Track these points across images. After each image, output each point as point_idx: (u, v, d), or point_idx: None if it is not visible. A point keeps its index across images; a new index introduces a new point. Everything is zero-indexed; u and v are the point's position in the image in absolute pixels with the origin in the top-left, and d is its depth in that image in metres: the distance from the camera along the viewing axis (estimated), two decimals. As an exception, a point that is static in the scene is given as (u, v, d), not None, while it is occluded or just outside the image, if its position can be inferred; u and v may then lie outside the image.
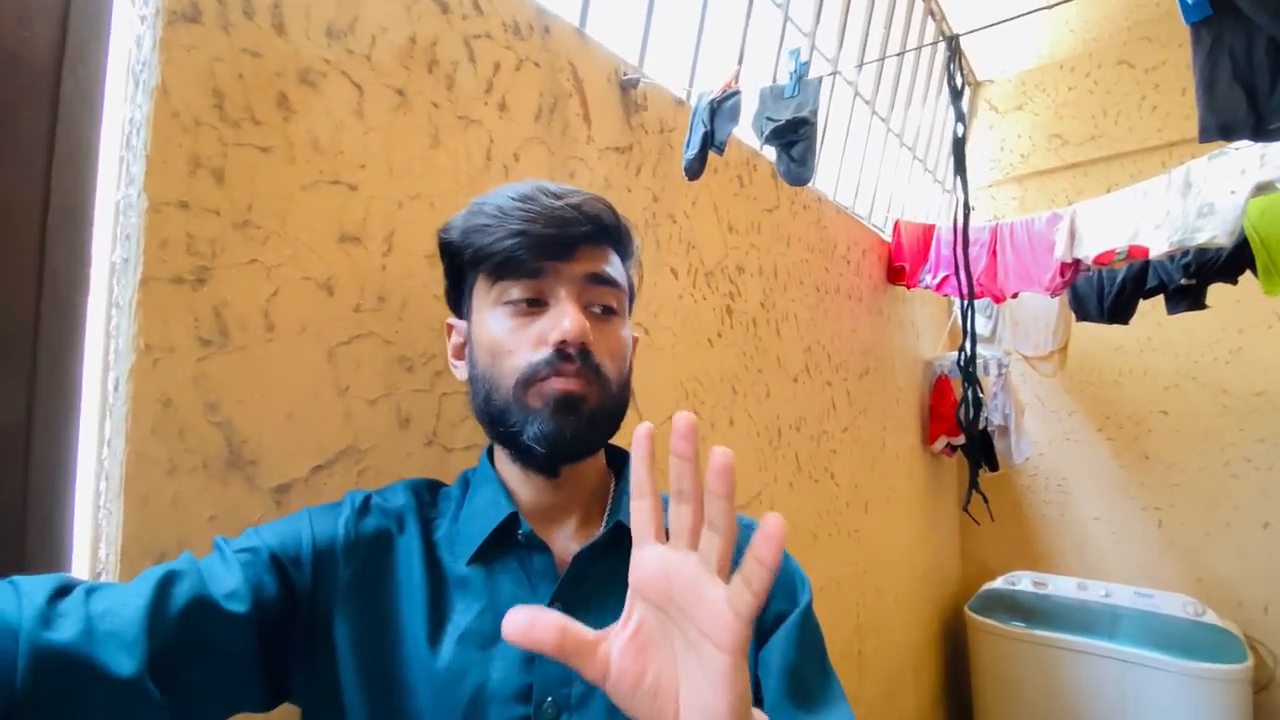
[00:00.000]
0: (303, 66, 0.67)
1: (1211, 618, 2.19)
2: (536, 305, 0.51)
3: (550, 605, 0.48)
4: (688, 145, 0.97)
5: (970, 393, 1.31)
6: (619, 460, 0.61)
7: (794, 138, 0.87)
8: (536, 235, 0.49)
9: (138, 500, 0.54)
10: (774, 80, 1.61)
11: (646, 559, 0.36)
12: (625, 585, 0.50)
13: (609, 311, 0.53)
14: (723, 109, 0.91)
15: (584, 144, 1.01)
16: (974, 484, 1.28)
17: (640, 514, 0.37)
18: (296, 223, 0.65)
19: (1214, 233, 1.12)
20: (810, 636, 0.53)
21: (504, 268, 0.50)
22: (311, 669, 0.47)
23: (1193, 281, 1.44)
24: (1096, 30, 2.56)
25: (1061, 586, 2.47)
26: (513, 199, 0.51)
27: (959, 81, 0.94)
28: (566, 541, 0.54)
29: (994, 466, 2.57)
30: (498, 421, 0.51)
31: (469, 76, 0.83)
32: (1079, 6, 2.42)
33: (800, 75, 0.88)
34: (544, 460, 0.51)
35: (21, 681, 0.33)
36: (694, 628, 0.33)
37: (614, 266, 0.54)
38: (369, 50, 0.73)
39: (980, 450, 2.38)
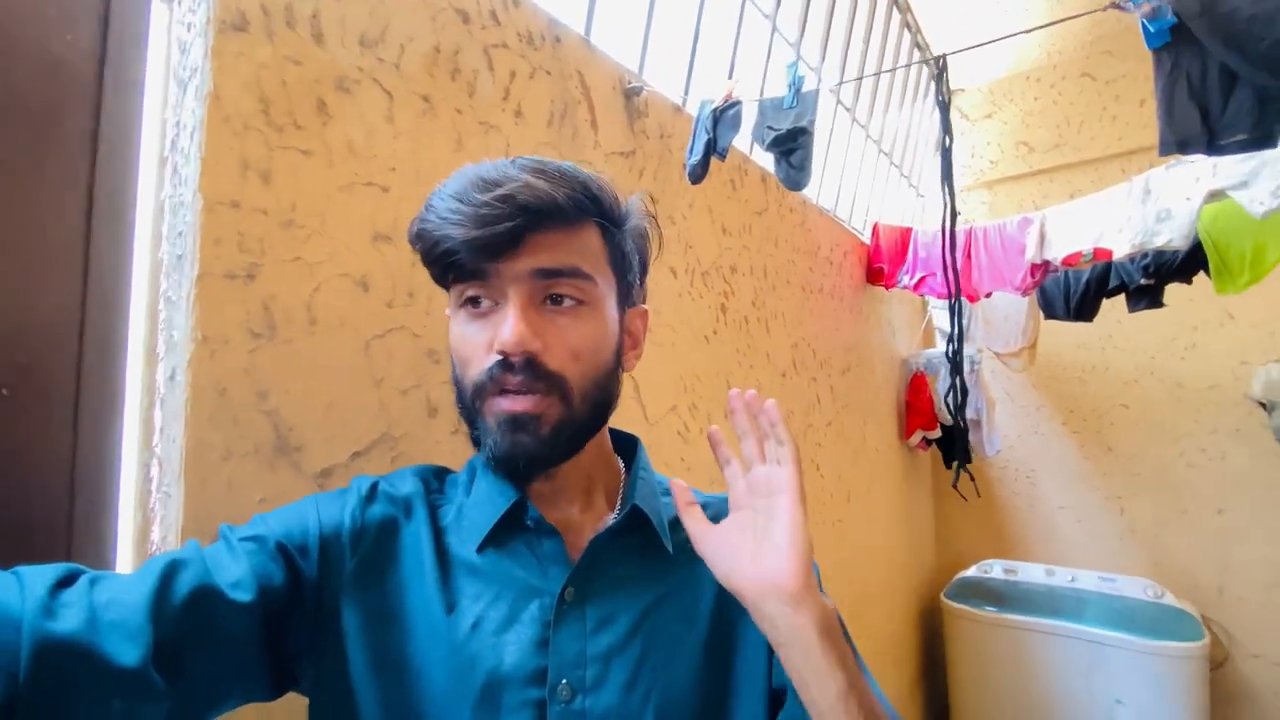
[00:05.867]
0: (339, 74, 0.70)
1: (1170, 599, 2.32)
2: (490, 306, 0.48)
3: (564, 589, 0.48)
4: (691, 151, 1.02)
5: (957, 381, 1.39)
6: (628, 444, 0.61)
7: (793, 146, 0.93)
8: (467, 240, 0.45)
9: (197, 484, 0.57)
10: (762, 87, 1.67)
11: (733, 489, 0.50)
12: (639, 568, 0.52)
13: (573, 303, 0.49)
14: (725, 118, 0.97)
15: (591, 149, 1.05)
16: (962, 463, 1.36)
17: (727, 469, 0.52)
18: (335, 222, 0.69)
19: (1171, 236, 1.22)
20: None
21: (448, 272, 0.48)
22: (319, 657, 0.47)
23: (1151, 281, 1.55)
24: (1061, 44, 2.70)
25: (1030, 573, 2.59)
26: (450, 196, 0.46)
27: (946, 97, 1.01)
28: (572, 526, 0.53)
29: (968, 459, 2.68)
30: (469, 426, 0.51)
31: (488, 84, 0.88)
32: (1046, 19, 2.55)
33: (797, 88, 0.94)
34: (508, 477, 0.50)
35: (25, 672, 0.33)
36: (767, 497, 0.46)
37: (574, 250, 0.48)
38: (398, 59, 0.76)
39: (959, 439, 2.47)
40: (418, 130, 0.78)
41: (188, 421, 0.57)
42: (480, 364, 0.48)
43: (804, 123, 0.91)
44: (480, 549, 0.50)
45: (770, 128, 0.95)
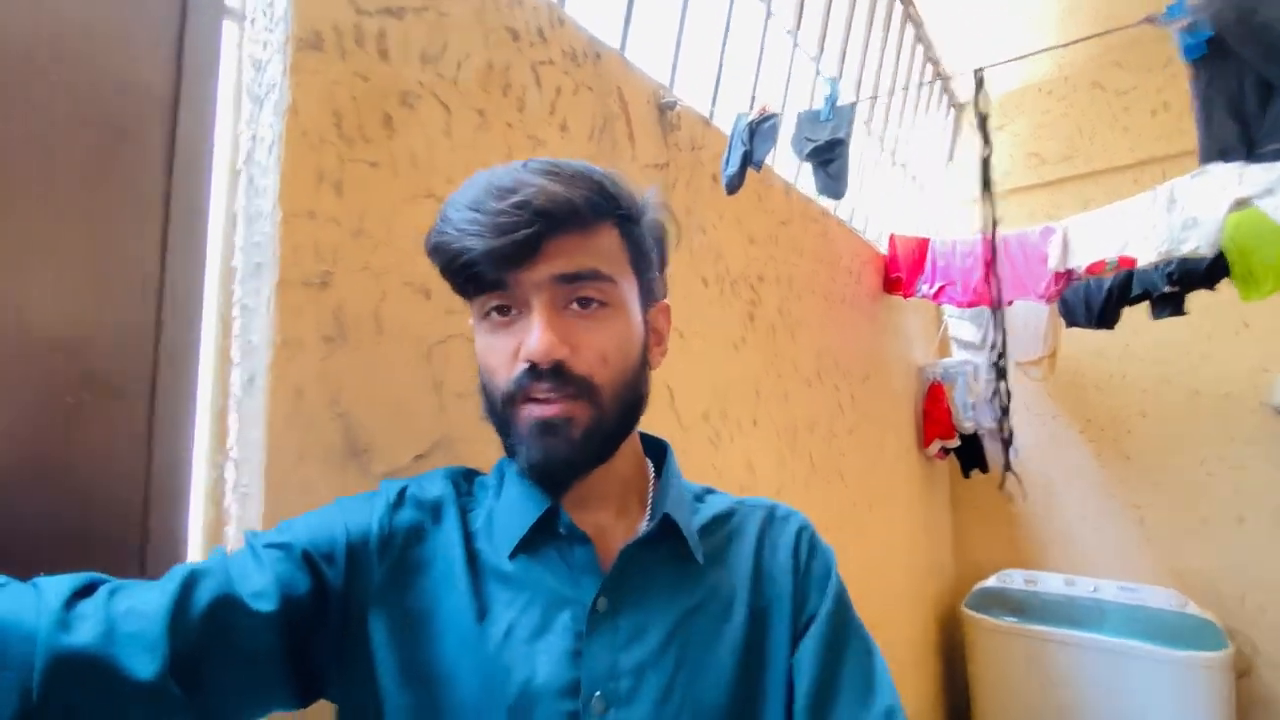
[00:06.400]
0: (403, 89, 0.73)
1: (1193, 609, 2.31)
2: (514, 314, 0.48)
3: (596, 599, 0.48)
4: (727, 163, 1.05)
5: (1002, 386, 1.42)
6: (657, 449, 0.60)
7: (830, 156, 0.95)
8: (487, 251, 0.44)
9: (277, 485, 0.59)
10: (785, 98, 1.70)
11: None
12: (671, 578, 0.51)
13: (597, 306, 0.48)
14: (761, 130, 1.00)
15: (629, 162, 1.08)
16: (1007, 465, 1.38)
17: None
18: (400, 232, 0.71)
19: (1197, 243, 1.24)
20: (837, 638, 0.52)
21: (470, 284, 0.48)
22: (347, 665, 0.47)
23: (1175, 289, 1.57)
24: (1071, 55, 2.73)
25: (1050, 583, 2.59)
26: (466, 206, 0.46)
27: (986, 109, 1.04)
28: (604, 533, 0.52)
29: (985, 468, 2.68)
30: (501, 435, 0.50)
31: (536, 99, 0.90)
32: (1055, 33, 2.58)
33: (833, 101, 0.96)
34: (542, 485, 0.50)
35: (39, 687, 0.33)
36: None
37: (593, 252, 0.48)
38: (455, 75, 0.79)
39: (972, 452, 2.49)
40: (474, 143, 0.80)
41: (269, 423, 0.59)
42: (507, 373, 0.47)
43: (840, 134, 0.94)
44: (512, 556, 0.49)
45: (808, 139, 0.97)
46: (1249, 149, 0.70)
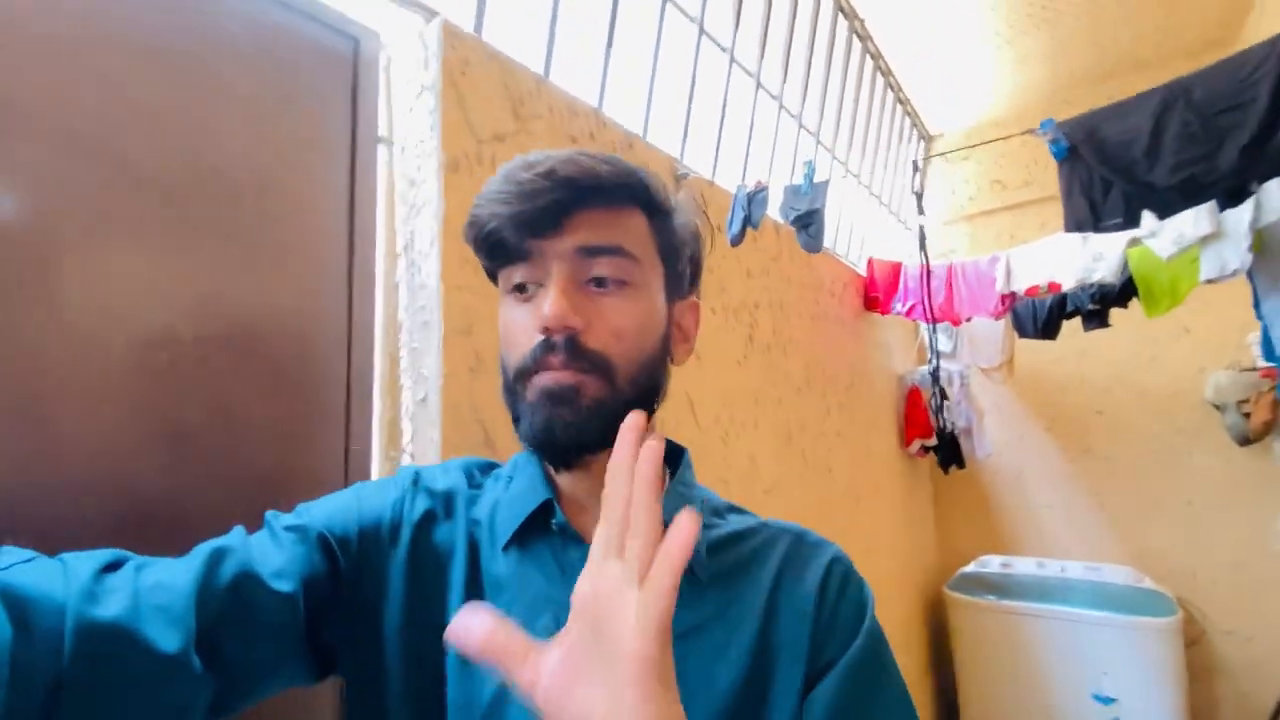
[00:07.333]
0: (507, 192, 1.04)
1: (1149, 584, 2.61)
2: (534, 289, 0.47)
3: None
4: (730, 224, 1.36)
5: (937, 390, 1.72)
6: (673, 454, 0.56)
7: (809, 221, 1.26)
8: (512, 215, 0.45)
9: (447, 467, 0.89)
10: (772, 156, 2.03)
11: (584, 575, 0.34)
12: None
13: (617, 283, 0.47)
14: (756, 199, 1.31)
15: (655, 222, 1.39)
16: (948, 456, 1.68)
17: (600, 535, 0.35)
18: (509, 293, 1.02)
19: (1104, 273, 1.55)
20: (863, 688, 0.46)
21: (496, 254, 0.48)
22: (356, 648, 0.47)
23: (1098, 306, 1.89)
24: (1023, 98, 3.09)
25: (1024, 566, 2.90)
26: (497, 180, 0.47)
27: (920, 189, 1.35)
28: None
29: (962, 464, 2.99)
30: (510, 411, 0.49)
31: (590, 185, 1.21)
32: (1010, 76, 2.94)
33: (811, 178, 1.28)
34: (545, 456, 0.49)
35: (68, 657, 0.34)
36: (609, 636, 0.31)
37: (618, 229, 0.47)
38: (539, 176, 1.10)
39: (949, 445, 2.79)
40: (551, 224, 1.11)
41: (443, 426, 0.89)
42: (524, 346, 0.47)
43: (817, 205, 1.25)
44: (505, 549, 0.49)
45: (792, 208, 1.29)
46: (1095, 224, 1.00)
